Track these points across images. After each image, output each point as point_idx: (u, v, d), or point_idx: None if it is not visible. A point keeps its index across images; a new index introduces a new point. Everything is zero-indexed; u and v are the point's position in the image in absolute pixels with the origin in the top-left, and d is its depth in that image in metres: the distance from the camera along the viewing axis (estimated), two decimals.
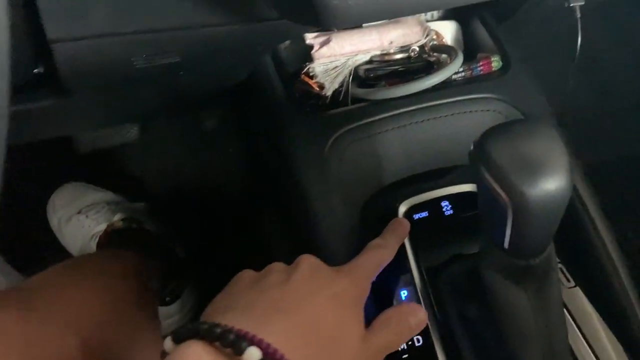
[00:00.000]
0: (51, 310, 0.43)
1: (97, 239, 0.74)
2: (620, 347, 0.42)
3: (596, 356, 0.41)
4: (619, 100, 1.04)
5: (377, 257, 0.39)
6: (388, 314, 0.36)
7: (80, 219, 0.78)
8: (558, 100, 0.55)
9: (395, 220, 0.44)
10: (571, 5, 0.49)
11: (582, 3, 0.49)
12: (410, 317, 0.36)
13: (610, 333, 0.41)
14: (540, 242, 0.35)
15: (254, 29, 0.36)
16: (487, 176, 0.32)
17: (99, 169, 0.85)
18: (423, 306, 0.43)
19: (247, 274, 0.35)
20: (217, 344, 0.27)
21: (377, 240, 0.40)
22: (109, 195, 0.81)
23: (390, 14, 0.37)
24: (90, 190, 0.82)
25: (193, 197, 0.86)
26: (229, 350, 0.27)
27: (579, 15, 0.49)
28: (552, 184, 0.30)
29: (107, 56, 0.36)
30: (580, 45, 0.53)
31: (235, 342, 0.26)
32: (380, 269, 0.39)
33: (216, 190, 0.88)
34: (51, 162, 0.83)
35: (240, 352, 0.26)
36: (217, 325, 0.27)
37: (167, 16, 0.33)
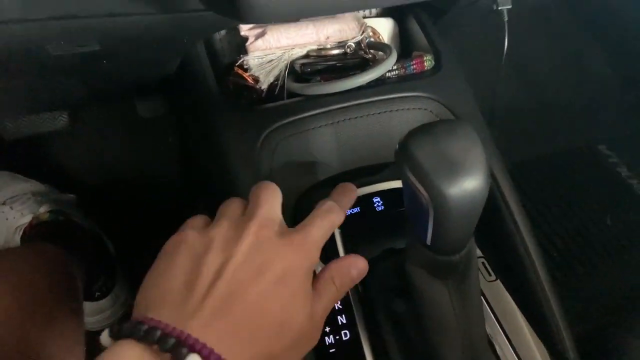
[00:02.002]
0: None
1: (21, 232, 0.70)
2: (536, 337, 0.44)
3: (513, 346, 0.43)
4: (545, 99, 1.09)
5: (328, 222, 0.36)
6: (330, 271, 0.35)
7: (4, 210, 0.73)
8: (487, 100, 0.57)
9: (342, 184, 0.41)
10: (499, 8, 0.51)
11: (510, 7, 0.51)
12: (352, 270, 0.35)
13: (527, 324, 0.43)
14: (460, 239, 0.36)
15: (180, 19, 0.35)
16: (410, 175, 0.32)
17: (26, 158, 0.80)
18: (350, 299, 0.43)
19: (189, 241, 0.32)
20: (155, 347, 0.26)
21: (327, 203, 0.37)
22: (35, 186, 0.77)
23: (309, 13, 0.37)
24: (15, 180, 0.77)
25: (127, 188, 0.83)
26: (167, 355, 0.25)
27: (506, 18, 0.51)
28: (470, 183, 0.32)
29: (20, 43, 0.34)
30: (509, 47, 0.55)
31: (174, 347, 0.25)
32: (329, 235, 0.36)
33: (152, 182, 0.85)
34: None
35: (180, 358, 0.25)
36: (155, 328, 0.26)
37: (84, 2, 0.31)
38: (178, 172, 0.87)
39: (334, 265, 0.35)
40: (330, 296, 0.34)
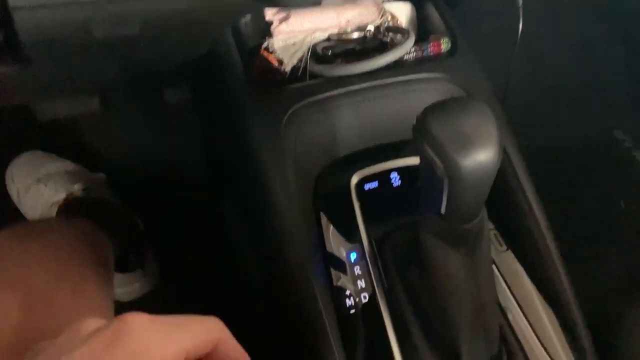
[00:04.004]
0: None
1: (56, 208, 0.74)
2: (546, 304, 0.46)
3: (524, 313, 0.45)
4: (559, 84, 1.09)
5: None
6: None
7: (39, 188, 0.77)
8: (500, 85, 0.59)
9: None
10: None
11: None
12: None
13: (537, 292, 0.46)
14: (473, 208, 0.38)
15: (214, 2, 0.38)
16: (427, 148, 0.35)
17: (59, 139, 0.84)
18: (369, 266, 0.46)
19: None
20: None
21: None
22: (68, 165, 0.81)
23: None
24: (49, 159, 0.81)
25: (154, 170, 0.86)
26: None
27: (520, 3, 0.53)
28: (482, 155, 0.34)
29: (66, 24, 0.37)
30: (523, 33, 0.57)
31: None
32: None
33: (177, 165, 0.88)
34: (10, 131, 0.81)
35: None
36: None
37: None
38: (202, 156, 0.90)
39: None
40: None
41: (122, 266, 0.74)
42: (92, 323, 0.22)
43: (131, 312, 0.21)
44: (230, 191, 0.78)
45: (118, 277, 0.74)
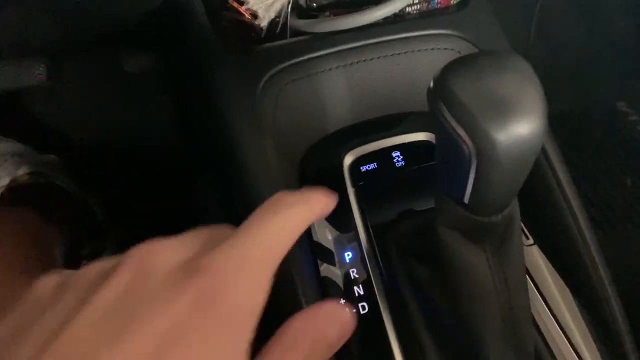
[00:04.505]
0: None
1: None
2: (582, 308, 0.39)
3: (555, 317, 0.38)
4: (566, 59, 1.03)
5: (287, 223, 0.22)
6: (294, 331, 0.21)
7: None
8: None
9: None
10: None
11: None
12: (328, 328, 0.22)
13: (571, 293, 0.38)
14: (505, 197, 0.30)
15: None
16: (449, 117, 0.27)
17: (1, 116, 0.74)
18: (369, 267, 0.38)
19: (36, 294, 0.20)
20: None
21: (275, 195, 0.24)
22: (13, 146, 0.71)
23: None
24: None
25: (116, 148, 0.77)
26: None
27: None
28: (524, 127, 0.26)
29: None
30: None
31: None
32: (290, 246, 0.22)
33: (144, 142, 0.79)
34: None
35: None
36: None
37: None
38: (173, 130, 0.81)
39: (300, 322, 0.22)
40: None
41: (77, 261, 0.65)
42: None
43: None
44: (205, 173, 0.69)
45: None
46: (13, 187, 0.65)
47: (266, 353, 0.20)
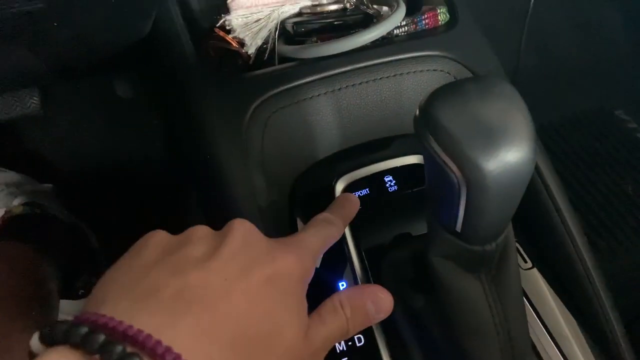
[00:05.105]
0: None
1: None
2: (585, 334, 0.38)
3: (557, 345, 0.36)
4: (561, 66, 1.02)
5: (324, 232, 0.32)
6: (340, 297, 0.29)
7: None
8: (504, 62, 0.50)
9: (343, 195, 0.39)
10: None
11: None
12: (369, 303, 0.30)
13: (572, 319, 0.37)
14: (498, 225, 0.29)
15: None
16: (436, 146, 0.26)
17: None
18: None
19: (159, 238, 0.27)
20: (97, 357, 0.20)
21: (324, 215, 0.34)
22: (8, 176, 0.71)
23: None
24: None
25: (109, 176, 0.76)
26: None
27: None
28: (513, 154, 0.25)
29: None
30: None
31: (122, 357, 0.20)
32: (327, 248, 0.33)
33: (137, 168, 0.78)
34: None
35: None
36: (99, 330, 0.20)
37: None
38: (164, 157, 0.80)
39: (347, 292, 0.30)
40: (336, 326, 0.29)
41: (72, 292, 0.64)
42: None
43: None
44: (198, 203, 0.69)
45: (68, 304, 0.65)
46: (7, 219, 0.64)
47: (323, 303, 0.29)
